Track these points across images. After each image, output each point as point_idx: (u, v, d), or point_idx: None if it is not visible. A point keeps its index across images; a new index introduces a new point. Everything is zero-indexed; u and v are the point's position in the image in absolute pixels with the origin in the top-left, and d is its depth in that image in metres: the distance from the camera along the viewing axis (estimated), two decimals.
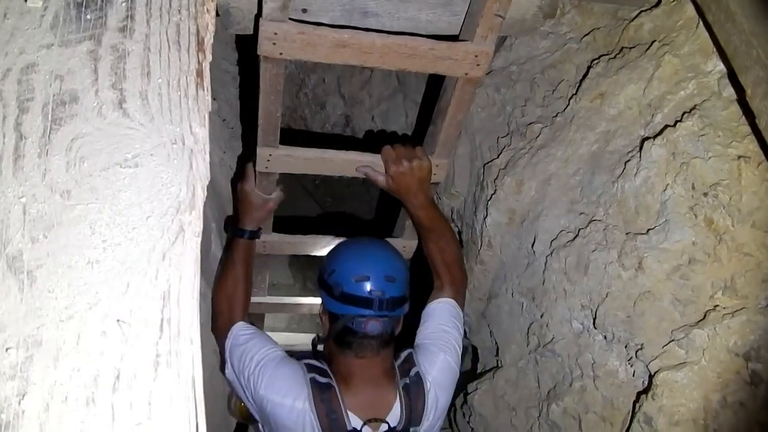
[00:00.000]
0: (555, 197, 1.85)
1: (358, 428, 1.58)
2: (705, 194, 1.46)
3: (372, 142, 2.75)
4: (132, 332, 0.70)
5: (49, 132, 0.79)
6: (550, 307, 1.86)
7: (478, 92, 2.17)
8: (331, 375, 1.63)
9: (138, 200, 0.78)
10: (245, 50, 2.41)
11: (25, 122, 0.78)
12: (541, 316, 1.91)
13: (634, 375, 1.61)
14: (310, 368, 1.62)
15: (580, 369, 1.77)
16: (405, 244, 2.23)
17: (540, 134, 1.95)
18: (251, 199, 1.77)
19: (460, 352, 1.78)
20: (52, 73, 0.82)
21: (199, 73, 0.88)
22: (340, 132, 2.89)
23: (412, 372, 1.67)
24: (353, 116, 2.78)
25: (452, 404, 2.54)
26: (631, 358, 1.60)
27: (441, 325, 1.79)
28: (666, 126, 1.58)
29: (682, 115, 1.56)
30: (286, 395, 1.57)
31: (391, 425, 1.62)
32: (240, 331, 1.71)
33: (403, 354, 1.72)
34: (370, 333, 1.61)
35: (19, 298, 0.68)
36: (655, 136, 1.59)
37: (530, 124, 2.00)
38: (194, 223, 0.80)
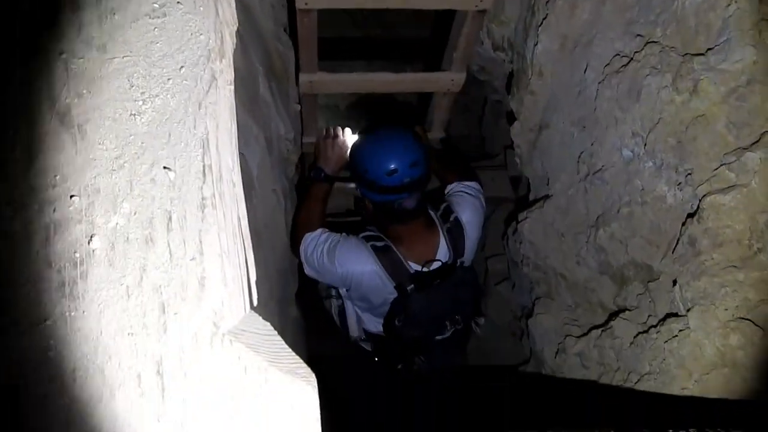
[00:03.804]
0: (610, 19, 1.74)
1: (420, 269, 2.05)
2: None
3: None
4: (177, 178, 0.76)
5: None
6: (601, 135, 1.83)
7: None
8: (386, 238, 2.05)
9: (170, 51, 0.80)
10: None
11: None
12: (592, 145, 1.89)
13: (682, 200, 1.61)
14: (368, 238, 2.05)
15: (628, 195, 1.78)
16: (453, 77, 2.20)
17: None
18: (342, 152, 2.21)
19: (484, 207, 2.23)
20: None
21: None
22: None
23: (452, 218, 2.12)
24: None
25: (504, 233, 2.65)
26: (680, 183, 1.59)
27: (466, 188, 2.24)
28: None
29: None
30: (357, 263, 2.01)
31: (443, 261, 2.09)
32: (309, 237, 2.10)
33: (443, 206, 2.16)
34: (409, 208, 2.01)
35: (73, 150, 0.75)
36: None
37: None
38: (225, 71, 0.82)
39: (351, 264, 2.00)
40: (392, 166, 1.95)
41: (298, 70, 2.17)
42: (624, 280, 1.88)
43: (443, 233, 2.10)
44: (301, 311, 2.85)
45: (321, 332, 3.12)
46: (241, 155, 1.21)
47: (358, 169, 2.04)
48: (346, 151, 2.24)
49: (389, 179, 1.96)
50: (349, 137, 2.27)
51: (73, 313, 0.68)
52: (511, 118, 2.40)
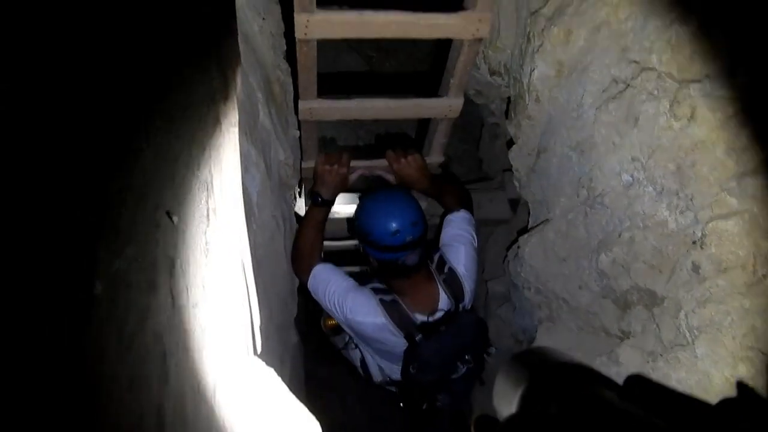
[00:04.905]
0: (605, 46, 1.75)
1: (425, 320, 2.18)
2: None
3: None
4: (181, 222, 0.75)
5: None
6: (600, 160, 1.83)
7: None
8: (392, 291, 2.19)
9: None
10: None
11: None
12: (590, 170, 1.89)
13: (683, 225, 1.60)
14: (376, 291, 2.19)
15: (629, 220, 1.78)
16: (451, 103, 2.21)
17: None
18: (339, 177, 2.26)
19: (476, 245, 2.36)
20: None
21: None
22: None
23: (446, 269, 2.25)
24: None
25: (505, 256, 2.64)
26: (681, 208, 1.59)
27: (458, 229, 2.36)
28: None
29: None
30: (367, 316, 2.14)
31: (445, 309, 2.23)
32: (319, 271, 2.23)
33: (436, 256, 2.29)
34: (411, 264, 2.15)
35: None
36: None
37: None
38: (230, 114, 0.82)
39: (361, 316, 2.13)
40: (394, 227, 2.08)
41: (297, 97, 2.17)
42: (627, 305, 1.87)
43: (440, 284, 2.24)
44: (300, 335, 2.84)
45: (320, 354, 3.11)
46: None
47: (362, 231, 2.16)
48: (343, 177, 2.29)
49: (392, 239, 2.09)
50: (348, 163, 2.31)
51: None
52: (510, 141, 2.40)
